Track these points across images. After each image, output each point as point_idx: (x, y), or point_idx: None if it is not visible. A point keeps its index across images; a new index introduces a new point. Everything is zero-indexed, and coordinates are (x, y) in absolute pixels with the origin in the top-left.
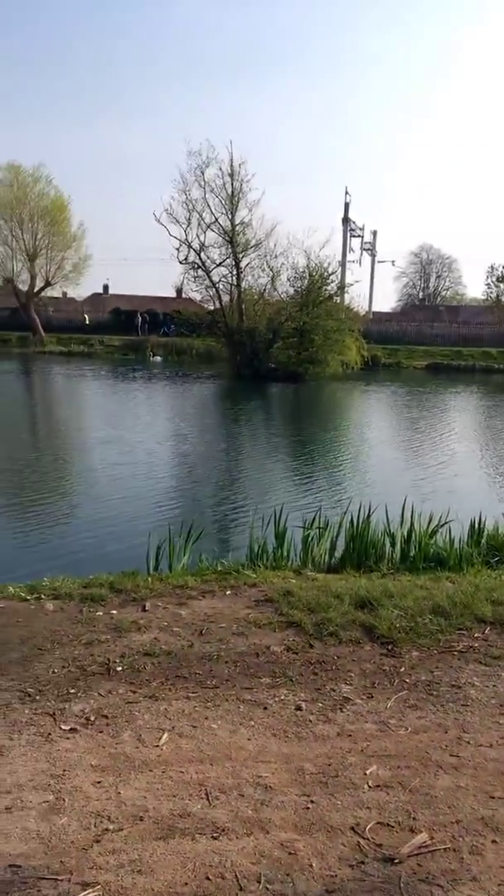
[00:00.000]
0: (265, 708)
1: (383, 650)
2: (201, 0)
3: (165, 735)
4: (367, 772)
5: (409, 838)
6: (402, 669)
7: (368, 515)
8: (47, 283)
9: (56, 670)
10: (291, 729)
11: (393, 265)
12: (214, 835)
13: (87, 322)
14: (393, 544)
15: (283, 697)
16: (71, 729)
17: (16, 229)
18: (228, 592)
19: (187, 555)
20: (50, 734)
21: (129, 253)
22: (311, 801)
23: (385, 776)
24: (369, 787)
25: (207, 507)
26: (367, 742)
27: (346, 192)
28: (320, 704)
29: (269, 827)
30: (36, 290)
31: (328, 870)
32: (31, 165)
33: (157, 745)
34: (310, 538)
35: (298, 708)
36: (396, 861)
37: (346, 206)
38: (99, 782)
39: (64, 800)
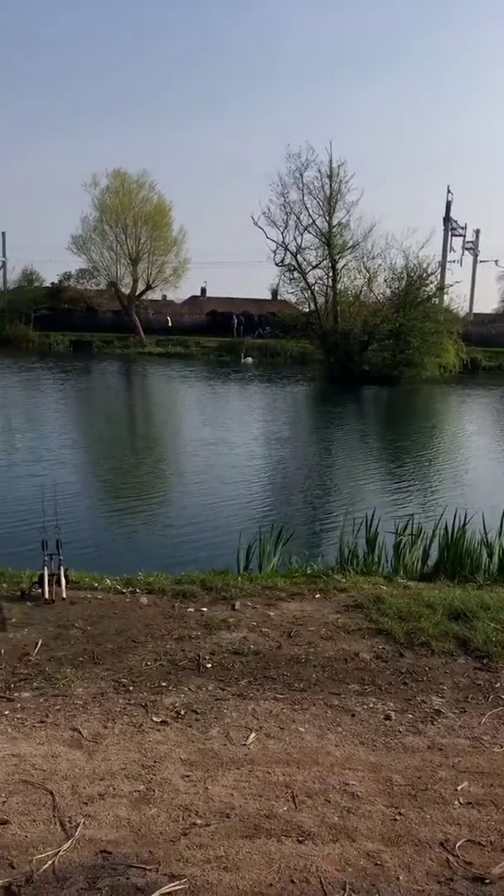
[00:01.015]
0: (353, 715)
1: (478, 664)
2: (298, 1)
3: (253, 735)
4: (459, 788)
5: (501, 859)
6: (498, 685)
7: (464, 524)
8: (148, 287)
9: (149, 663)
10: (380, 738)
11: (496, 265)
12: (300, 838)
13: (170, 324)
14: (490, 555)
15: (371, 705)
16: (162, 721)
17: (120, 235)
18: (318, 596)
19: (277, 556)
20: (142, 725)
21: (226, 256)
22: (399, 813)
23: (477, 793)
24: (460, 803)
25: (298, 509)
26: (459, 757)
27: (448, 191)
28: (410, 715)
29: (355, 835)
30: (137, 293)
31: (415, 884)
32: (135, 172)
33: (245, 744)
34: (402, 545)
35: (387, 717)
36: (487, 881)
37: (448, 204)
38: (188, 776)
39: (154, 791)
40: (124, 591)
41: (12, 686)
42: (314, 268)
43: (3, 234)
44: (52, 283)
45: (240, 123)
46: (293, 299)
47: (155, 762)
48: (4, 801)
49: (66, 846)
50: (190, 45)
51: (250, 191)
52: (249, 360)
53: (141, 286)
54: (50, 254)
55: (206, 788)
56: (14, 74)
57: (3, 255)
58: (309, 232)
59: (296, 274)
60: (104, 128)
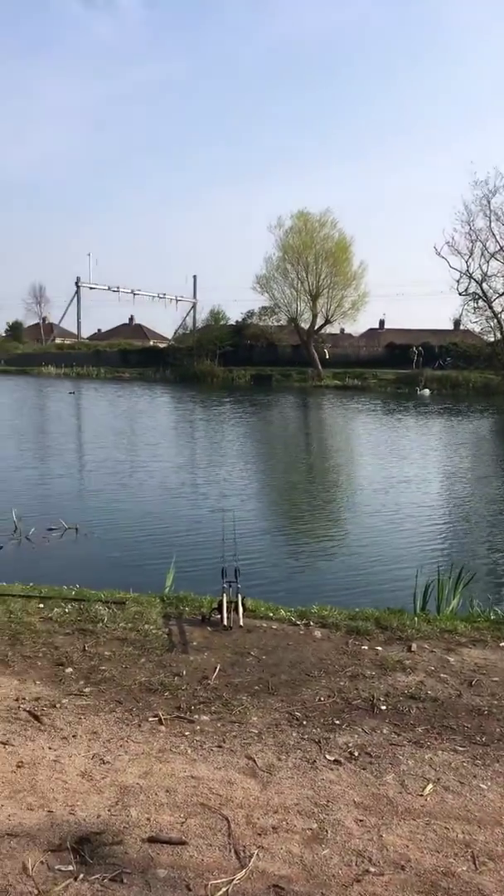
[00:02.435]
0: None
1: None
2: (471, 21)
3: (430, 786)
4: None
5: None
6: None
7: None
8: (327, 321)
9: (322, 698)
10: None
11: None
12: None
13: (328, 356)
14: None
15: None
16: (335, 760)
17: (301, 272)
18: (502, 644)
19: (457, 598)
20: (315, 762)
21: (405, 287)
22: None
23: None
24: None
25: (480, 549)
26: None
27: None
28: None
29: None
30: (316, 327)
31: None
32: (318, 211)
33: (422, 795)
34: None
35: None
36: None
37: None
38: (361, 821)
39: (327, 831)
40: (298, 622)
41: (192, 708)
42: (501, 296)
43: (195, 277)
44: (237, 321)
45: (424, 157)
46: (477, 329)
47: (328, 802)
48: (183, 822)
49: (240, 875)
50: (368, 85)
51: (432, 222)
52: (426, 392)
53: (320, 321)
54: (235, 293)
55: (381, 836)
56: (208, 129)
57: (194, 297)
58: (496, 259)
59: (480, 303)
60: (291, 171)
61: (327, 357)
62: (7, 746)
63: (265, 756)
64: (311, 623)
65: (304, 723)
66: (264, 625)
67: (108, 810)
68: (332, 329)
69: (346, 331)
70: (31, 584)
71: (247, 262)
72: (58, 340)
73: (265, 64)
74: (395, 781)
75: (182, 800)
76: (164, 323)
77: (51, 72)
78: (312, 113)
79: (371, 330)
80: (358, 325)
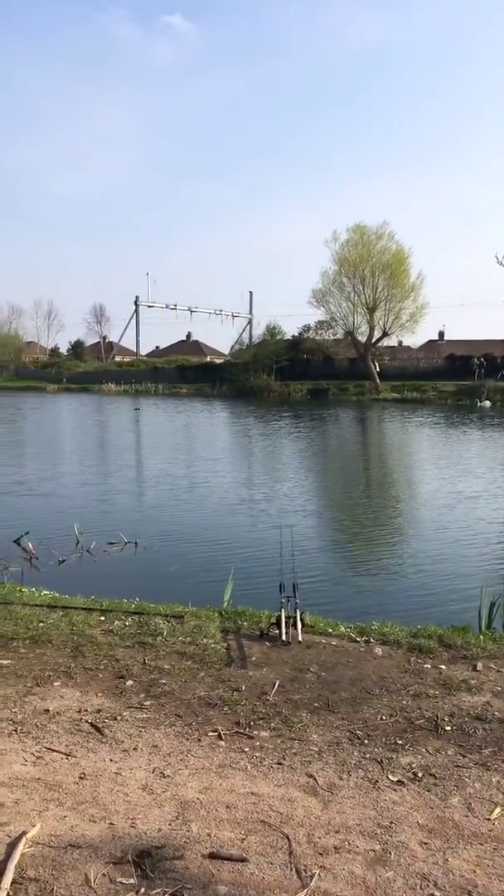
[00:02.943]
0: None
1: None
2: None
3: (498, 809)
4: None
5: None
6: None
7: None
8: (384, 334)
9: (384, 717)
10: None
11: None
12: None
13: (377, 370)
14: None
15: None
16: (398, 781)
17: (358, 285)
18: None
19: None
20: (377, 782)
21: (467, 298)
22: None
23: None
24: None
25: None
26: None
27: None
28: None
29: None
30: (373, 340)
31: None
32: (374, 224)
33: (489, 819)
34: None
35: None
36: None
37: None
38: (426, 844)
39: (390, 853)
40: (358, 639)
41: (252, 724)
42: None
43: (251, 293)
44: (293, 336)
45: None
46: None
47: (391, 823)
48: (244, 839)
49: (301, 895)
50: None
51: (496, 232)
52: (487, 403)
53: (377, 333)
54: (291, 308)
55: (446, 860)
56: (259, 145)
57: (250, 313)
58: None
59: None
60: (345, 183)
61: (377, 370)
62: (70, 758)
63: (326, 774)
64: (372, 640)
65: (366, 742)
66: (323, 641)
67: (169, 824)
68: (390, 341)
69: (405, 343)
70: (92, 596)
71: (303, 277)
72: (117, 358)
73: (314, 78)
74: (461, 804)
75: (242, 816)
76: (221, 339)
77: (108, 96)
78: (362, 125)
79: (430, 342)
80: (416, 338)
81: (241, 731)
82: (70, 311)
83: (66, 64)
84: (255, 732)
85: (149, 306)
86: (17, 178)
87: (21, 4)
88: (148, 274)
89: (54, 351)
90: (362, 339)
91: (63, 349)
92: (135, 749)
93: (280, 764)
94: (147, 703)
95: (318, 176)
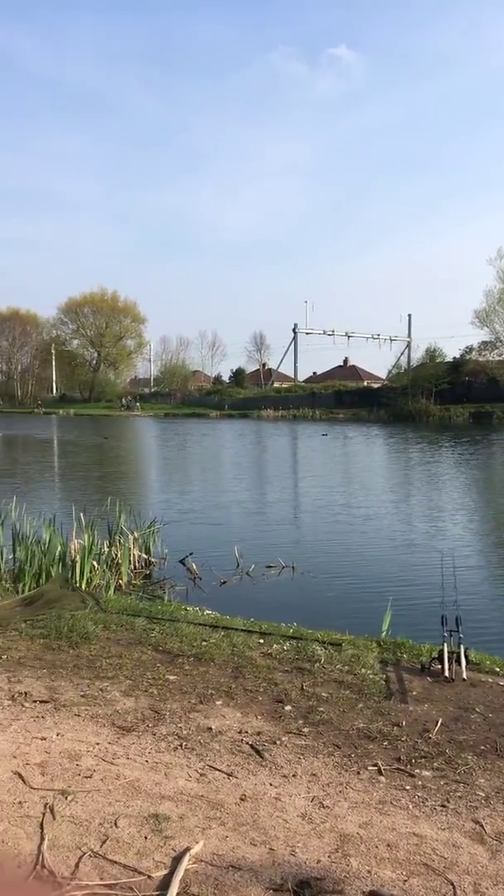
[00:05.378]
0: None
1: None
2: None
3: None
4: None
5: None
6: None
7: None
8: None
9: None
10: None
11: None
12: None
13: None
14: None
15: None
16: None
17: None
18: None
19: None
20: None
21: None
22: None
23: None
24: None
25: None
26: None
27: None
28: None
29: None
30: None
31: None
32: None
33: None
34: None
35: None
36: None
37: None
38: None
39: None
40: None
41: (413, 761)
42: None
43: (409, 315)
44: (454, 358)
45: None
46: None
47: None
48: (405, 881)
49: None
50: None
51: None
52: None
53: None
54: (451, 330)
55: None
56: (413, 167)
57: (409, 336)
58: None
59: None
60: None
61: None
62: (231, 778)
63: (494, 822)
64: None
65: None
66: (490, 680)
67: (329, 856)
68: None
69: None
70: (251, 618)
71: (465, 297)
72: (276, 384)
73: (478, 92)
74: None
75: (404, 857)
76: (378, 363)
77: (270, 131)
78: None
79: None
80: None
81: (402, 767)
82: (232, 341)
83: (233, 104)
84: (417, 771)
85: (306, 333)
86: (182, 218)
87: (193, 49)
88: (306, 301)
89: (217, 379)
90: None
91: (225, 377)
92: (294, 775)
93: (444, 806)
94: (305, 729)
95: (482, 191)
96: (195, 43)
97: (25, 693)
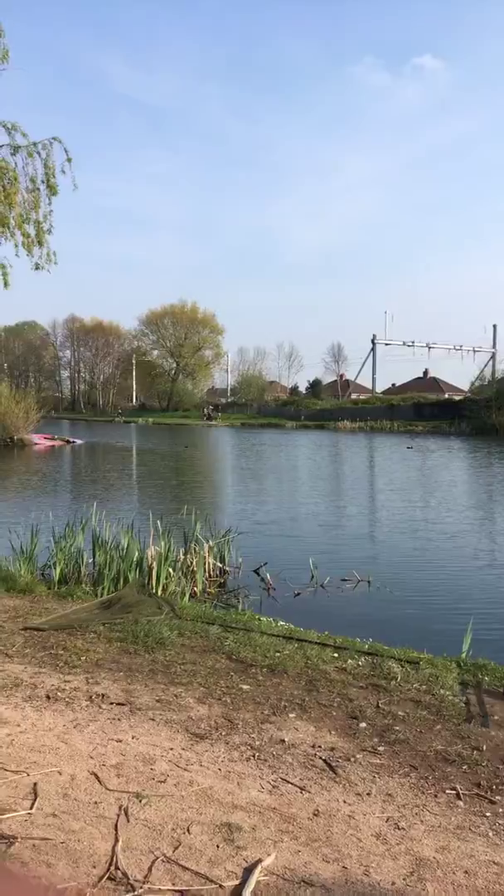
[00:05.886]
0: None
1: None
2: None
3: None
4: None
5: None
6: None
7: None
8: None
9: None
10: None
11: None
12: None
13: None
14: None
15: None
16: None
17: None
18: None
19: None
20: None
21: None
22: None
23: None
24: None
25: None
26: None
27: None
28: None
29: None
30: None
31: None
32: None
33: None
34: None
35: None
36: None
37: None
38: None
39: None
40: None
41: (494, 788)
42: None
43: (494, 326)
44: None
45: None
46: None
47: None
48: None
49: None
50: None
51: None
52: None
53: None
54: None
55: None
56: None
57: (494, 346)
58: None
59: None
60: None
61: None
62: (304, 792)
63: None
64: None
65: None
66: None
67: (403, 879)
68: None
69: None
70: (325, 631)
71: None
72: (353, 396)
73: None
74: None
75: (483, 885)
76: (460, 375)
77: (352, 143)
78: None
79: None
80: None
81: (482, 794)
82: (309, 352)
83: (312, 118)
84: (498, 798)
85: (385, 344)
86: (262, 232)
87: (273, 67)
88: (386, 312)
89: (294, 390)
90: None
91: (302, 388)
92: (368, 794)
93: None
94: (381, 748)
95: None
96: (275, 61)
97: (103, 695)
